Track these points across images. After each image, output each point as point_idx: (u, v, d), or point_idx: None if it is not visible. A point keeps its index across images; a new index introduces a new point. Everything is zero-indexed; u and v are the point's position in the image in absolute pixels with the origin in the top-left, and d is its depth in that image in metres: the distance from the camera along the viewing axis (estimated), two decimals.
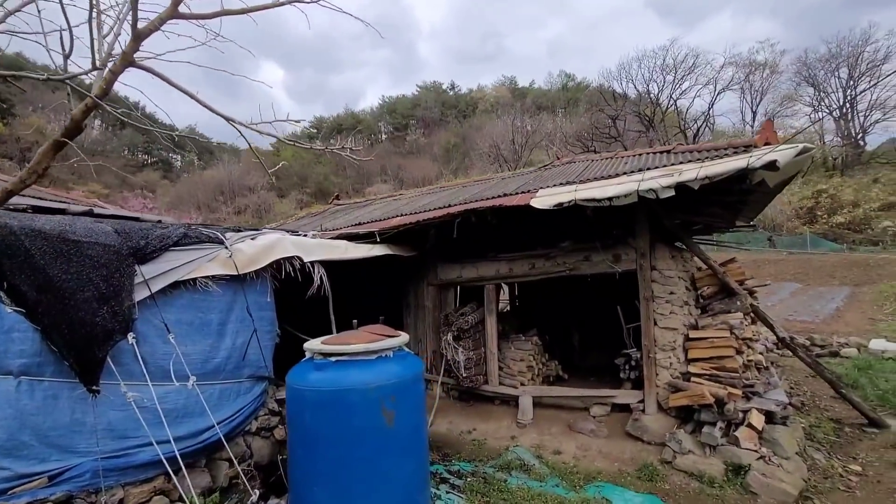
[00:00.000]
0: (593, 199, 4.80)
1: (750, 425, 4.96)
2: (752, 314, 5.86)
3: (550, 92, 65.94)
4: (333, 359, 3.83)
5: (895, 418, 5.83)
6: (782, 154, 3.98)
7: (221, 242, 4.52)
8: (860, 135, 41.88)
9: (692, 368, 5.48)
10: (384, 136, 75.71)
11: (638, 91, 46.70)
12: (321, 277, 5.29)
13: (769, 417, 5.28)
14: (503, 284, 10.68)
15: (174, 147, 75.25)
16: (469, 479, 4.99)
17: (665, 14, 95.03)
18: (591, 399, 6.16)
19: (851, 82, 41.68)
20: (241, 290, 4.67)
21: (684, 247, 6.02)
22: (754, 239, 32.43)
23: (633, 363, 6.16)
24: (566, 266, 6.25)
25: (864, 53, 40.20)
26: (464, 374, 6.67)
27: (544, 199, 5.06)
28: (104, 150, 62.73)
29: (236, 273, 4.52)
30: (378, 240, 6.28)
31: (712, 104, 42.84)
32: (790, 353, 9.14)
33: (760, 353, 5.78)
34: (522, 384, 6.66)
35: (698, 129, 43.52)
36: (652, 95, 45.72)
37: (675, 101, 45.17)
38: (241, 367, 4.67)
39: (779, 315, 11.84)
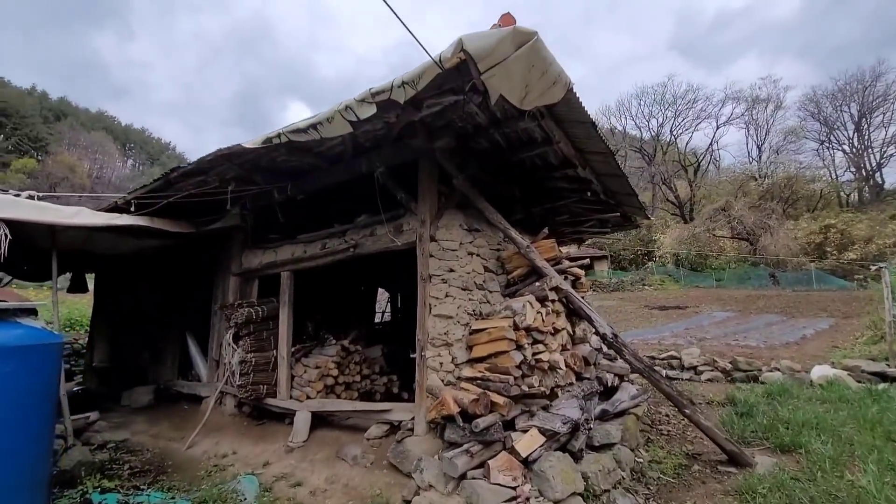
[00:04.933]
0: (299, 130, 3.67)
1: (512, 451, 3.47)
2: (567, 304, 4.43)
3: None
4: None
5: (773, 455, 4.16)
6: (469, 37, 2.79)
7: None
8: (875, 170, 39.52)
9: (467, 371, 4.06)
10: None
11: (638, 126, 46.02)
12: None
13: (569, 446, 3.77)
14: (367, 291, 9.38)
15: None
16: None
17: (689, 56, 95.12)
18: (372, 416, 4.72)
19: (865, 119, 39.91)
20: None
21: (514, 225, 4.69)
22: (756, 275, 30.16)
23: None
24: (350, 243, 5.02)
25: (874, 89, 38.69)
26: (238, 382, 5.33)
27: (257, 140, 3.95)
28: (127, 186, 65.72)
29: None
30: (133, 209, 5.21)
31: (714, 139, 41.63)
32: (682, 377, 7.44)
33: (569, 354, 4.26)
34: (309, 397, 5.26)
35: (698, 164, 42.07)
36: (652, 131, 44.93)
37: (676, 137, 44.15)
38: None
39: (723, 340, 10.03)
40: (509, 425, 3.77)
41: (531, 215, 5.91)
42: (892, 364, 6.72)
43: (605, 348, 4.84)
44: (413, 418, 4.23)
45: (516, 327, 3.87)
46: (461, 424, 3.51)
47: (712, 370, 7.38)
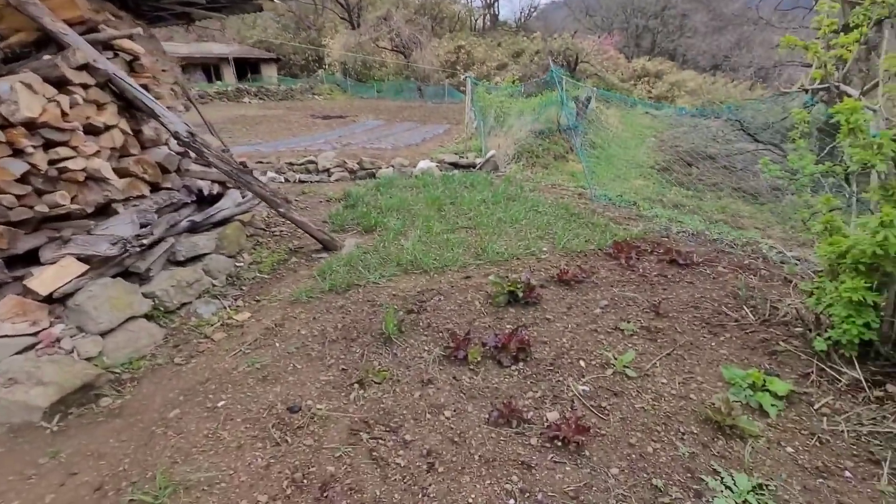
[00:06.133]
0: None
1: (28, 291, 2.58)
2: (119, 93, 3.28)
3: None
4: None
5: (361, 236, 4.81)
6: None
7: None
8: (494, 2, 47.69)
9: None
10: None
11: None
12: None
13: (134, 268, 3.12)
14: None
15: None
16: None
17: None
18: None
19: None
20: None
21: None
22: (408, 88, 34.06)
23: None
24: None
25: None
26: None
27: None
28: None
29: None
30: None
31: None
32: (314, 179, 7.96)
33: (133, 160, 3.40)
34: None
35: None
36: None
37: None
38: None
39: (364, 145, 11.04)
40: (31, 258, 2.79)
41: None
42: (463, 156, 8.88)
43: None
44: None
45: (7, 123, 2.57)
46: None
47: (342, 171, 7.96)
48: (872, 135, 2.04)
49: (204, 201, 4.38)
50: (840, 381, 2.11)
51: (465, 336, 2.55)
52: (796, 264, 3.64)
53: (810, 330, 2.43)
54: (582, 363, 2.36)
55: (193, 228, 3.93)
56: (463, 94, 32.69)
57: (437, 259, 3.84)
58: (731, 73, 29.27)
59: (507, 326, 2.75)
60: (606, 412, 2.01)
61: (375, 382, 2.29)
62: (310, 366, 2.49)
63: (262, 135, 14.16)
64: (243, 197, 4.73)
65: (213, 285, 3.74)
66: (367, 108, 25.16)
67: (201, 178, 4.21)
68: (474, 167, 8.34)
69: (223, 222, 4.31)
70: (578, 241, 4.20)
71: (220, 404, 2.21)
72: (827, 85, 2.66)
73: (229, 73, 32.46)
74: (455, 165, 8.42)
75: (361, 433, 1.96)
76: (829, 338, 2.18)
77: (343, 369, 2.43)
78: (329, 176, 7.82)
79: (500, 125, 12.40)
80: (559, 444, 1.82)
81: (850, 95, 2.55)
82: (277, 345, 2.75)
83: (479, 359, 2.42)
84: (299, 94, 30.41)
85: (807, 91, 3.22)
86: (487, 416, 2.00)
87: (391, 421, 2.03)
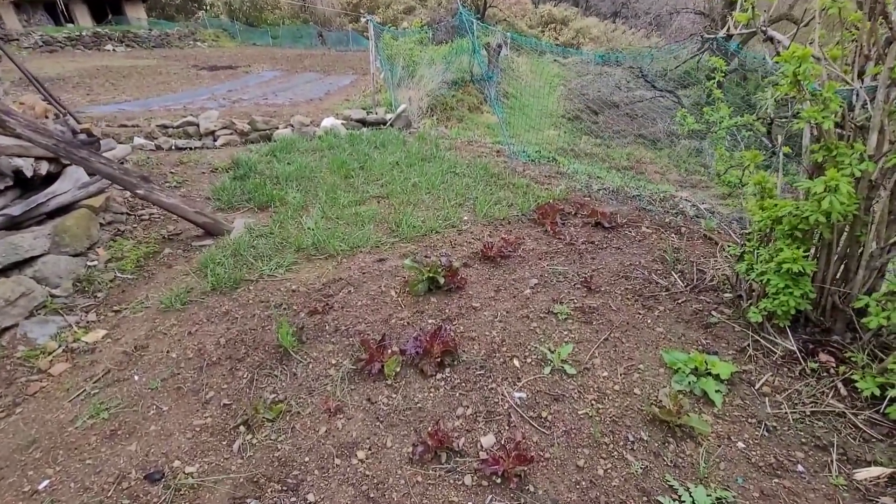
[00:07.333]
0: None
1: None
2: None
3: None
4: None
5: (253, 215, 4.08)
6: None
7: None
8: None
9: None
10: None
11: None
12: None
13: None
14: None
15: None
16: None
17: None
18: None
19: None
20: None
21: None
22: (307, 34, 30.97)
23: None
24: None
25: None
26: None
27: None
28: None
29: None
30: None
31: None
32: (193, 146, 6.75)
33: None
34: None
35: None
36: None
37: None
38: None
39: (258, 101, 9.68)
40: None
41: None
42: (371, 111, 8.09)
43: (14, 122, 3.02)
44: None
45: None
46: None
47: (230, 133, 6.83)
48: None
49: (30, 186, 3.36)
50: (775, 352, 2.04)
51: (379, 342, 2.13)
52: (711, 219, 3.65)
53: (741, 297, 2.35)
54: (516, 362, 2.07)
55: (13, 224, 2.99)
56: (367, 39, 30.52)
57: (345, 239, 3.31)
58: (631, 20, 30.22)
59: (429, 321, 2.37)
60: (548, 424, 1.74)
61: (268, 420, 1.81)
62: (180, 405, 1.93)
63: (131, 90, 11.88)
64: (91, 175, 3.74)
65: (53, 296, 2.90)
66: (261, 56, 22.47)
67: (19, 156, 3.18)
68: (384, 124, 7.63)
69: (62, 210, 3.36)
70: (500, 207, 3.88)
71: (43, 484, 1.61)
72: (753, 29, 2.46)
73: (84, 14, 27.00)
74: (363, 122, 7.63)
75: (248, 500, 1.50)
76: (763, 308, 2.09)
77: (225, 405, 1.91)
78: (214, 140, 6.67)
79: (411, 76, 11.55)
80: (498, 479, 1.52)
81: (778, 41, 2.37)
82: (137, 378, 2.12)
83: (397, 370, 2.02)
84: (178, 41, 26.42)
85: (728, 37, 3.05)
86: (411, 449, 1.64)
87: (289, 475, 1.59)
